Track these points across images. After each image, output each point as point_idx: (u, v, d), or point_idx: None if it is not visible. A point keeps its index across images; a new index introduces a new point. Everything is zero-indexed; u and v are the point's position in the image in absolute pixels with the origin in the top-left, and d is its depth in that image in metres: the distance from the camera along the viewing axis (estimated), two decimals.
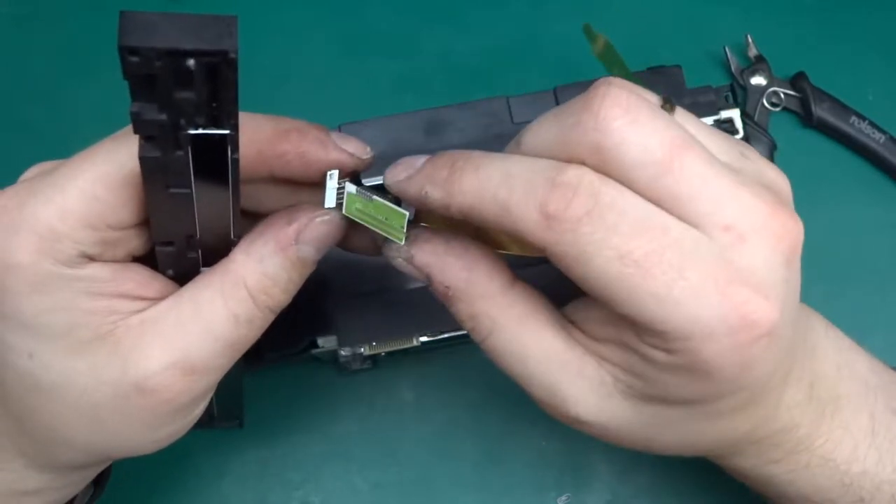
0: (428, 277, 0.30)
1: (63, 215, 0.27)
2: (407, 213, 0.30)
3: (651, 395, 0.28)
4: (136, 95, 0.23)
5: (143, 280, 0.30)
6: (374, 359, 0.43)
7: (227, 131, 0.25)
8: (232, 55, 0.22)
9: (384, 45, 0.51)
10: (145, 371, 0.28)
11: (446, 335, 0.42)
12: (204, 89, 0.23)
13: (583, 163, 0.26)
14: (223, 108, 0.24)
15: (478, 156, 0.28)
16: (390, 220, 0.30)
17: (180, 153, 0.25)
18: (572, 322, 0.30)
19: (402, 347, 0.42)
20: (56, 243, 0.27)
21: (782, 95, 0.49)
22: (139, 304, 0.29)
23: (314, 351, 0.42)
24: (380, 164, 0.41)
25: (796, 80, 0.49)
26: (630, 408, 0.29)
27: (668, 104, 0.28)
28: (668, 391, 0.28)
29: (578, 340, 0.29)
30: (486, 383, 0.45)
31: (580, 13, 0.51)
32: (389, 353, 0.43)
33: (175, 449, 0.38)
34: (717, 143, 0.28)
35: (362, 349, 0.42)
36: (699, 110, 0.42)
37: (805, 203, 0.48)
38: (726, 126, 0.43)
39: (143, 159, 0.25)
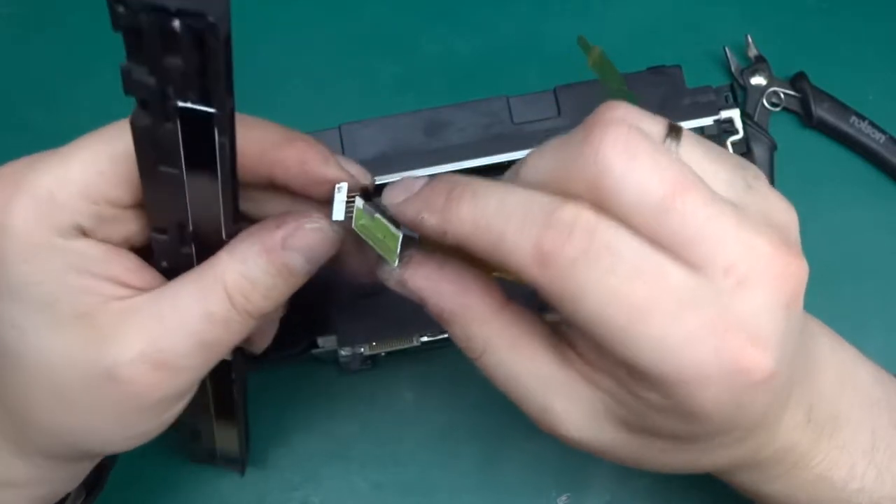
0: (421, 301, 0.30)
1: (64, 182, 0.28)
2: (400, 235, 0.29)
3: (642, 428, 0.28)
4: (129, 54, 0.24)
5: (132, 267, 0.30)
6: (374, 359, 0.43)
7: (213, 109, 0.25)
8: (212, 20, 0.22)
9: (384, 45, 0.51)
10: (116, 360, 0.28)
11: (446, 335, 0.41)
12: (192, 58, 0.23)
13: (581, 198, 0.25)
14: (211, 84, 0.24)
15: (476, 183, 0.27)
16: (386, 240, 0.30)
17: (170, 126, 0.25)
18: (568, 341, 0.29)
19: (402, 347, 0.42)
20: (52, 209, 0.28)
21: (782, 95, 0.49)
22: (124, 291, 0.29)
23: (314, 351, 0.42)
24: (380, 164, 0.41)
25: (796, 80, 0.49)
26: (618, 435, 0.29)
27: (674, 132, 0.27)
28: (659, 428, 0.27)
29: (572, 363, 0.29)
30: (486, 383, 0.44)
31: (580, 13, 0.52)
32: (389, 353, 0.43)
33: (174, 449, 0.38)
34: (723, 174, 0.27)
35: (362, 349, 0.42)
36: (699, 110, 0.42)
37: (805, 203, 0.47)
38: (726, 126, 0.43)
39: (133, 126, 0.26)
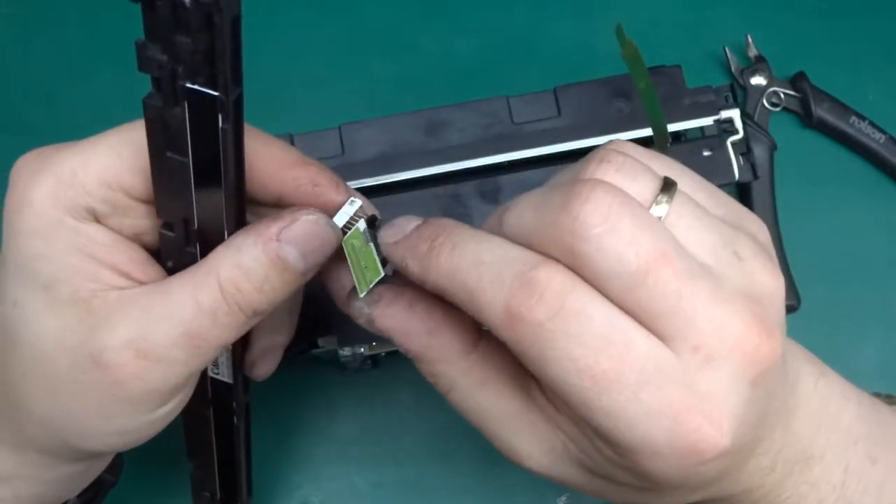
0: (389, 339, 0.30)
1: (85, 163, 0.29)
2: (382, 275, 0.29)
3: (598, 472, 0.28)
4: (145, 30, 0.25)
5: (137, 259, 0.30)
6: (374, 359, 0.43)
7: (217, 93, 0.25)
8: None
9: (384, 45, 0.51)
10: (103, 344, 0.28)
11: None
12: (201, 38, 0.24)
13: (557, 261, 0.25)
14: (218, 66, 0.25)
15: (458, 234, 0.27)
16: (367, 271, 0.30)
17: (178, 110, 0.26)
18: (536, 379, 0.29)
19: None
20: (69, 189, 0.29)
21: (782, 95, 0.49)
22: (124, 282, 0.29)
23: (314, 351, 0.42)
24: (380, 164, 0.41)
25: (796, 80, 0.49)
26: (578, 474, 0.29)
27: (667, 189, 0.26)
28: (614, 476, 0.28)
29: (537, 402, 0.29)
30: None
31: (580, 13, 0.52)
32: (389, 353, 0.43)
33: (175, 449, 0.37)
34: (710, 241, 0.26)
35: (362, 349, 0.42)
36: (699, 110, 0.42)
37: (805, 203, 0.48)
38: (726, 126, 0.43)
39: (145, 106, 0.26)
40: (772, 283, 0.27)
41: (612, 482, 0.29)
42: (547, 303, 0.25)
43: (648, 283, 0.25)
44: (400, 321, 0.29)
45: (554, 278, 0.25)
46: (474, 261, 0.26)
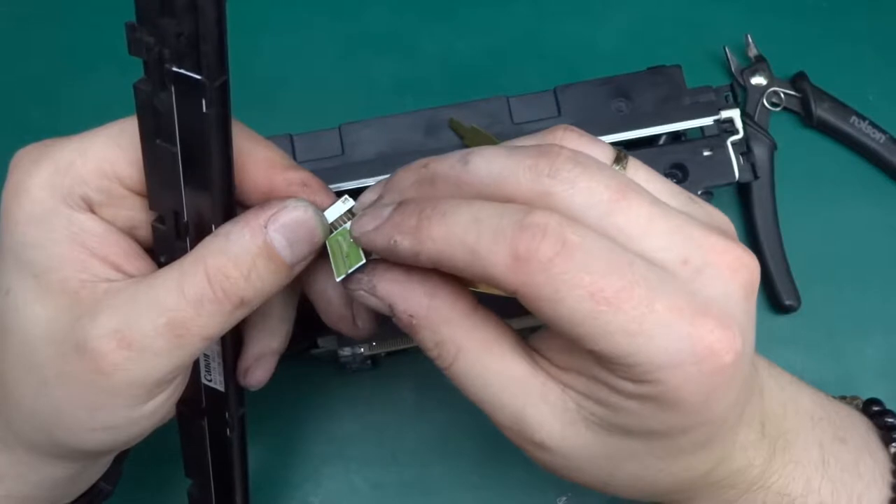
0: (391, 307, 0.30)
1: (84, 153, 0.30)
2: (364, 261, 0.30)
3: (614, 425, 0.28)
4: (137, 14, 0.25)
5: (129, 252, 0.30)
6: (374, 359, 0.43)
7: (200, 77, 0.26)
8: None
9: (384, 45, 0.51)
10: (87, 333, 0.28)
11: None
12: (186, 21, 0.25)
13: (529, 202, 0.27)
14: (202, 50, 0.25)
15: (445, 202, 0.28)
16: (349, 258, 0.30)
17: (166, 95, 0.27)
18: (534, 346, 0.30)
19: (402, 347, 0.42)
20: (66, 177, 0.29)
21: (782, 95, 0.49)
22: (114, 274, 0.30)
23: (314, 351, 0.42)
24: (380, 164, 0.41)
25: (796, 80, 0.49)
26: (592, 437, 0.29)
27: (621, 158, 0.29)
28: (631, 421, 0.28)
29: (542, 367, 0.29)
30: None
31: (580, 13, 0.52)
32: (389, 353, 0.43)
33: (173, 462, 0.37)
34: (667, 190, 0.29)
35: (362, 349, 0.42)
36: (699, 110, 0.42)
37: (805, 203, 0.48)
38: (726, 126, 0.43)
39: (136, 89, 0.27)
40: (727, 222, 0.30)
41: (628, 438, 0.28)
42: (551, 239, 0.26)
43: (622, 206, 0.27)
44: (399, 284, 0.30)
45: (551, 218, 0.26)
46: (471, 219, 0.27)
